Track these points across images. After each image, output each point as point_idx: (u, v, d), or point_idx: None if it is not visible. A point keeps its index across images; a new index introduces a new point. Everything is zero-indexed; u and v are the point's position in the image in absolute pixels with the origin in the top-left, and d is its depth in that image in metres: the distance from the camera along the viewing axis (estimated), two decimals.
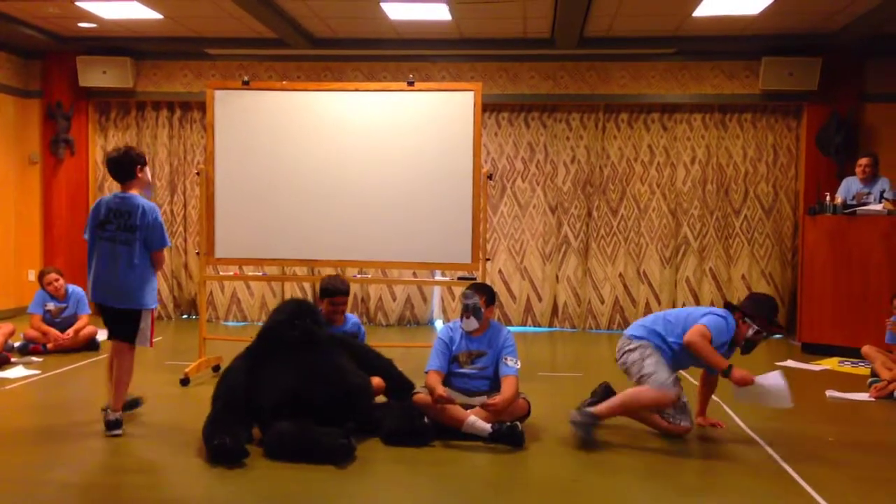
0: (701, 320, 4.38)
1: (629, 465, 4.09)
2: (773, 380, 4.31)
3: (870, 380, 5.91)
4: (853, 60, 8.25)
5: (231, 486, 3.70)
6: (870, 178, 7.38)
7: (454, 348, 4.62)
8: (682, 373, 4.97)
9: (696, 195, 8.73)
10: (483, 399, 4.45)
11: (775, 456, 4.19)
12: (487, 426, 4.30)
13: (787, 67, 8.13)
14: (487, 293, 4.68)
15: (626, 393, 4.45)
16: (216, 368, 6.14)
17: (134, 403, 4.84)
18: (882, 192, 7.23)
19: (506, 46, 8.45)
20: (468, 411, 4.38)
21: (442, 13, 7.36)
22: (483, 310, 4.60)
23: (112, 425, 4.40)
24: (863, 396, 5.64)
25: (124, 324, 4.48)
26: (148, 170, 4.67)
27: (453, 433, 4.36)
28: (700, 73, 8.57)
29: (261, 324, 8.81)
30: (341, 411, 4.19)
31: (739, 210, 8.71)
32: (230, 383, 4.33)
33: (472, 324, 4.58)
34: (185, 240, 9.22)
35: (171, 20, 7.80)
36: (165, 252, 4.62)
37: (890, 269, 6.96)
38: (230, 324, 9.07)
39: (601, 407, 4.42)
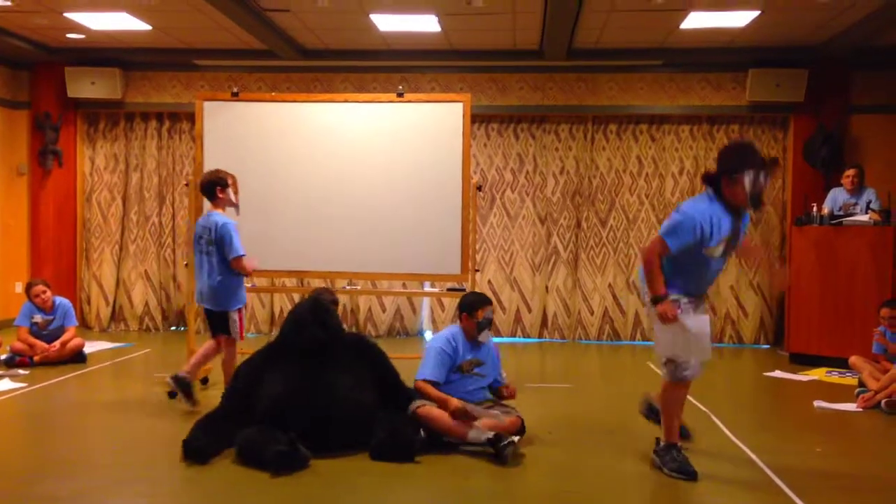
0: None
1: (620, 477, 4.08)
2: (700, 324, 3.94)
3: (857, 390, 5.93)
4: (839, 72, 8.32)
5: (200, 495, 3.68)
6: (856, 189, 7.44)
7: (458, 358, 4.60)
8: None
9: None
10: (491, 412, 4.55)
11: (763, 467, 4.19)
12: (488, 433, 4.27)
13: (773, 79, 8.19)
14: None
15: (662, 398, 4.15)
16: (205, 381, 6.11)
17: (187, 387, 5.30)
18: (868, 203, 7.28)
19: (495, 58, 8.49)
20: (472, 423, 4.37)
21: (431, 25, 7.39)
22: None
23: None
24: (850, 407, 5.65)
25: (217, 322, 5.30)
26: (230, 190, 5.31)
27: (451, 445, 4.36)
28: (688, 84, 8.63)
29: (251, 335, 8.90)
30: (325, 431, 4.20)
31: None
32: (235, 387, 4.54)
33: (488, 336, 4.75)
34: (174, 251, 9.18)
35: (160, 31, 7.80)
36: (243, 261, 5.19)
37: (877, 279, 7.01)
38: None
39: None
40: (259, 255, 6.10)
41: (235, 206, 5.39)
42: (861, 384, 6.01)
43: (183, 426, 4.33)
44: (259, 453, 3.99)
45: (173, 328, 9.21)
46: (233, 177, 5.37)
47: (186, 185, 6.25)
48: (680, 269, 3.90)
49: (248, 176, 6.10)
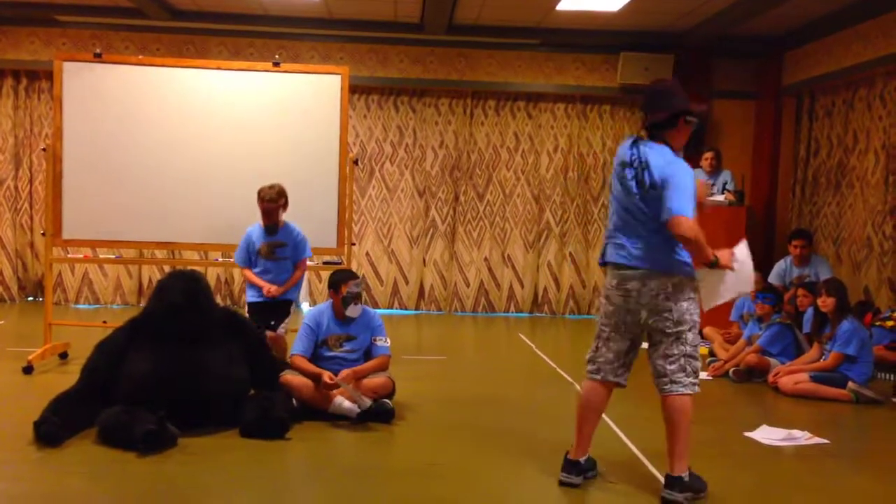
0: (669, 198, 3.13)
1: (489, 449, 4.21)
2: (744, 253, 3.49)
3: (708, 359, 6.36)
4: (702, 58, 8.76)
5: (60, 475, 3.55)
6: (714, 171, 7.90)
7: (322, 332, 4.67)
8: None
9: (558, 182, 9.05)
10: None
11: (621, 434, 4.43)
12: (355, 406, 4.37)
13: (643, 63, 8.54)
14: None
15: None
16: (64, 355, 5.84)
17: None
18: (724, 184, 7.76)
19: (376, 29, 8.43)
20: (334, 391, 4.43)
21: None
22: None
23: None
24: (702, 375, 6.00)
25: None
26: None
27: (321, 414, 4.40)
28: (563, 64, 8.85)
29: (115, 307, 8.53)
30: (196, 409, 4.13)
31: (598, 197, 9.10)
32: (95, 364, 4.30)
33: (358, 310, 4.71)
34: (31, 217, 8.66)
35: None
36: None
37: None
38: (81, 307, 8.61)
39: None
40: (125, 226, 5.87)
41: None
42: (712, 354, 6.45)
43: (38, 405, 4.13)
44: (126, 433, 3.86)
45: (30, 298, 8.72)
46: None
47: (44, 149, 5.87)
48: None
49: (113, 141, 5.83)
